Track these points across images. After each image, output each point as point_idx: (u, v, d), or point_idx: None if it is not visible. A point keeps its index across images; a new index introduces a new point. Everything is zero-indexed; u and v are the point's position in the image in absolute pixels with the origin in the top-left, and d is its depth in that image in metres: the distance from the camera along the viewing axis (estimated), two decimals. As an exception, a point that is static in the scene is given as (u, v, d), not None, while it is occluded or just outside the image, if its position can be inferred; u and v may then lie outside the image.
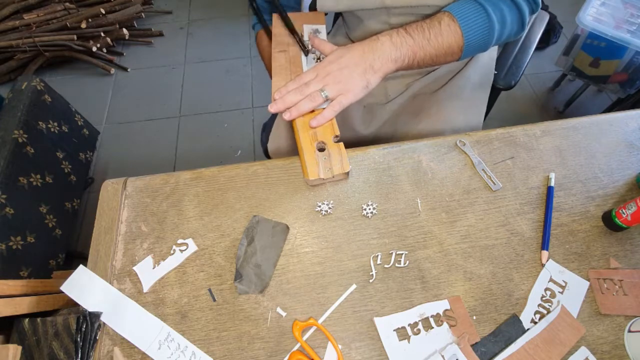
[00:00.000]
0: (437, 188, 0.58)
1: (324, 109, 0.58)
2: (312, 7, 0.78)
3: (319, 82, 0.57)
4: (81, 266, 0.52)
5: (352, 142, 0.84)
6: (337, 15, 0.87)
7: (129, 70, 1.85)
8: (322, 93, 0.56)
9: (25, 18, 1.73)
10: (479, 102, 0.82)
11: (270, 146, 0.84)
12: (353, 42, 0.78)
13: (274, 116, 0.89)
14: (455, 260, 0.52)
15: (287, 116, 0.57)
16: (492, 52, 0.79)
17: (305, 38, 0.69)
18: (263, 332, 0.48)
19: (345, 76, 0.57)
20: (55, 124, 1.27)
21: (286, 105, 0.57)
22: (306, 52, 0.67)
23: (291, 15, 0.70)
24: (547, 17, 0.91)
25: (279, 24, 0.71)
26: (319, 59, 0.66)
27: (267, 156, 0.88)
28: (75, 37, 1.71)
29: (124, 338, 0.48)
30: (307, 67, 0.65)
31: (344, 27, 0.81)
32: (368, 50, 0.57)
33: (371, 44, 0.58)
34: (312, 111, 0.60)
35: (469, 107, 0.80)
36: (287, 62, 0.65)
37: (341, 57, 0.58)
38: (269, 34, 0.74)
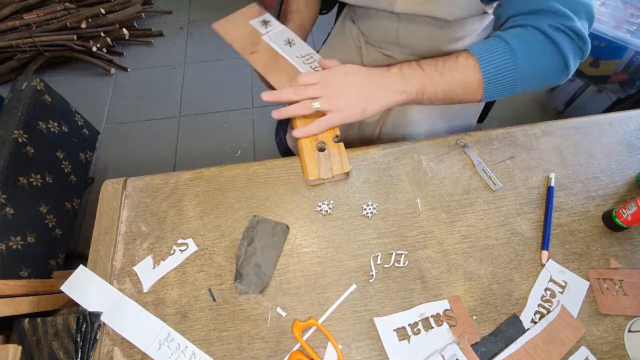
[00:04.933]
0: (437, 188, 0.58)
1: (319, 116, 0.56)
2: None
3: (317, 91, 0.55)
4: (81, 266, 0.52)
5: (356, 139, 0.84)
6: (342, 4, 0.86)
7: (129, 70, 1.85)
8: (314, 104, 0.55)
9: (25, 18, 1.73)
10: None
11: (290, 140, 0.85)
12: (359, 28, 0.78)
13: None
14: (455, 260, 0.52)
15: (275, 115, 0.56)
16: None
17: (261, 31, 0.66)
18: (263, 332, 0.48)
19: (344, 95, 0.54)
20: (55, 124, 1.27)
21: (282, 99, 0.56)
22: (278, 16, 0.65)
23: (231, 17, 0.67)
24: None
25: (231, 29, 0.66)
26: (288, 43, 0.64)
27: (283, 156, 0.89)
28: (75, 37, 1.71)
29: (124, 338, 0.48)
30: (287, 56, 0.63)
31: (351, 13, 0.80)
32: (374, 76, 0.55)
33: (380, 71, 0.55)
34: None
35: (466, 106, 0.80)
36: (267, 59, 0.63)
37: (347, 73, 0.55)
38: None
